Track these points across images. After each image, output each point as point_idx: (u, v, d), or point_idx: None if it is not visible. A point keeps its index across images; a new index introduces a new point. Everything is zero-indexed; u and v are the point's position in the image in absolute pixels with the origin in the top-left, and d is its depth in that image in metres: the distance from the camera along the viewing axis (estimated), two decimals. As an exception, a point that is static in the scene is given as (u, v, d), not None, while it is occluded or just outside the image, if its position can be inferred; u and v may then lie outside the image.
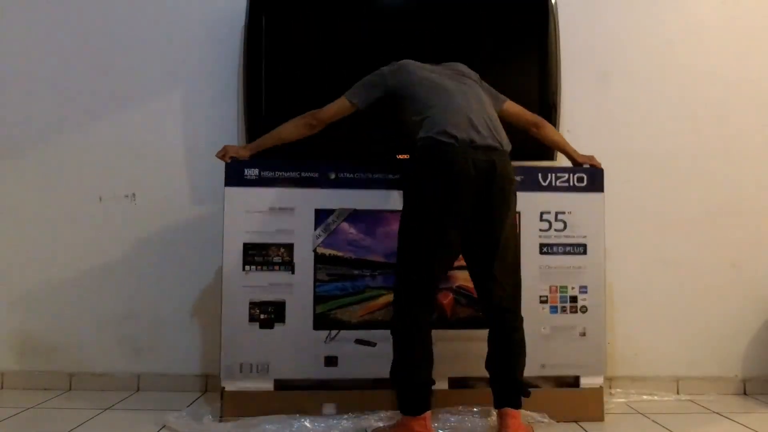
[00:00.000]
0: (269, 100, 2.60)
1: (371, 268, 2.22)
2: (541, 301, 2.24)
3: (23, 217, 2.75)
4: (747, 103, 2.80)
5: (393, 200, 2.21)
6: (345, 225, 2.22)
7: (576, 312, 2.25)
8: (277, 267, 2.18)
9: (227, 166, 2.19)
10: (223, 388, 2.17)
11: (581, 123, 2.77)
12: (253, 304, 2.16)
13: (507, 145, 2.04)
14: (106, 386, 2.65)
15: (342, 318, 2.21)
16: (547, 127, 2.31)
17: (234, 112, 2.76)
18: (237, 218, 2.17)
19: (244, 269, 2.16)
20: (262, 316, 2.16)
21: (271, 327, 2.16)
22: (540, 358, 2.21)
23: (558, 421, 2.17)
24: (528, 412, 2.10)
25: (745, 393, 2.71)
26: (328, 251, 2.21)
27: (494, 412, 2.02)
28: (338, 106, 2.18)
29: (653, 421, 2.26)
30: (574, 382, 2.27)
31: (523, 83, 2.62)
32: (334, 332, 2.19)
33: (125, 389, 2.64)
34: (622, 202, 2.74)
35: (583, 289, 2.26)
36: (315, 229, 2.20)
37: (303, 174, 2.22)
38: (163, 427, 2.12)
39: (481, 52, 2.65)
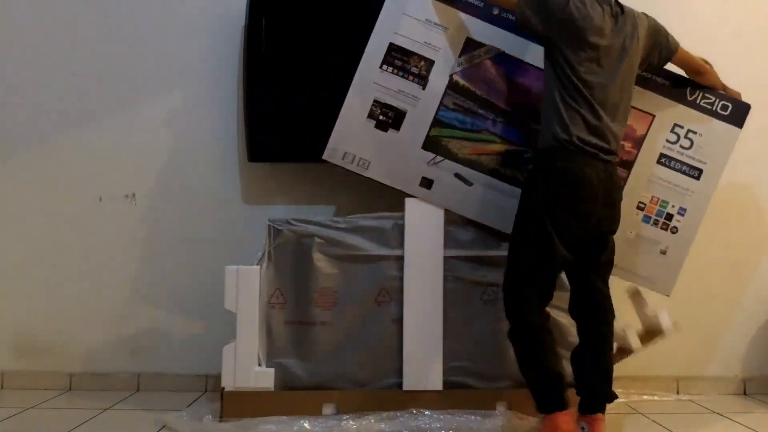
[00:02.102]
0: (269, 101, 2.60)
1: (496, 113, 2.24)
2: (638, 207, 2.25)
3: (23, 217, 2.75)
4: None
5: (540, 58, 2.08)
6: (488, 62, 2.23)
7: (666, 230, 2.25)
8: (411, 77, 2.21)
9: None
10: (223, 388, 2.17)
11: (581, 123, 2.77)
12: (377, 103, 2.22)
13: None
14: (106, 386, 2.65)
15: (451, 148, 2.23)
16: (713, 75, 2.30)
17: (234, 112, 2.76)
18: (394, 16, 2.21)
19: (381, 67, 2.21)
20: (380, 117, 2.21)
21: (385, 130, 2.22)
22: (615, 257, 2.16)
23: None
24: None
25: (745, 393, 2.71)
26: (462, 81, 2.23)
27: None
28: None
29: (653, 421, 2.26)
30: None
31: (523, 83, 2.61)
32: (439, 158, 2.23)
33: (125, 389, 2.64)
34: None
35: (681, 211, 2.27)
36: (459, 55, 2.21)
37: None
38: (163, 427, 2.12)
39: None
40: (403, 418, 2.09)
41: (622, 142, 2.08)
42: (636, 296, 2.35)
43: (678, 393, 2.67)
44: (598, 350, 2.01)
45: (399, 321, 2.22)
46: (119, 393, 2.60)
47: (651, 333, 2.32)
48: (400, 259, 2.24)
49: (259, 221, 2.32)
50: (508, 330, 2.00)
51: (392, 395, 2.17)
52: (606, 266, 2.05)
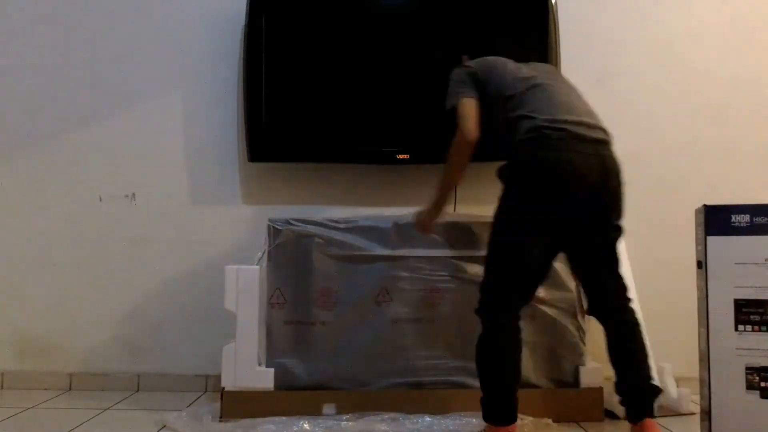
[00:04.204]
0: (269, 101, 2.60)
1: None
2: None
3: (23, 217, 2.75)
4: (747, 103, 2.80)
5: None
6: None
7: None
8: None
9: (708, 213, 1.92)
10: (223, 388, 2.17)
11: (581, 123, 2.77)
12: (750, 370, 1.86)
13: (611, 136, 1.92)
14: (106, 386, 2.65)
15: None
16: None
17: (234, 113, 2.77)
18: (724, 271, 1.88)
19: (736, 329, 1.87)
20: (762, 384, 1.85)
21: None
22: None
23: (558, 422, 2.17)
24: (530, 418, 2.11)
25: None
26: None
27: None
28: (468, 108, 1.98)
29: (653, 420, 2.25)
30: (573, 382, 2.27)
31: (523, 83, 2.62)
32: None
33: (125, 389, 2.65)
34: (622, 202, 2.74)
35: None
36: None
37: None
38: (163, 427, 2.12)
39: (481, 51, 2.65)
40: (403, 419, 2.08)
41: None
42: None
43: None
44: (622, 352, 1.88)
45: (399, 321, 2.22)
46: (119, 393, 2.60)
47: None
48: (400, 259, 2.24)
49: (259, 221, 2.33)
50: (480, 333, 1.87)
51: (392, 395, 2.17)
52: (609, 258, 1.91)
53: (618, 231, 1.92)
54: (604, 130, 1.89)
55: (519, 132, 1.87)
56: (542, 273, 1.92)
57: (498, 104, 1.96)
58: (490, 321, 1.86)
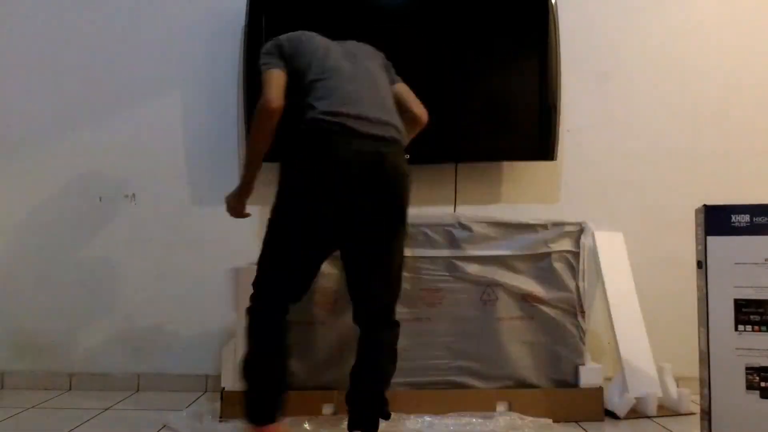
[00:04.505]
0: (269, 100, 2.60)
1: None
2: None
3: (23, 217, 2.75)
4: (747, 103, 2.80)
5: None
6: None
7: None
8: None
9: (708, 213, 1.90)
10: (223, 388, 2.17)
11: (581, 123, 2.78)
12: (750, 370, 1.86)
13: (403, 135, 1.82)
14: (106, 386, 2.65)
15: None
16: (418, 128, 2.06)
17: (234, 112, 2.77)
18: (724, 271, 1.87)
19: (736, 329, 1.86)
20: (762, 384, 1.85)
21: None
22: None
23: (558, 422, 2.17)
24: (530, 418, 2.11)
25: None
26: None
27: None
28: (270, 77, 1.82)
29: (653, 420, 2.26)
30: (573, 382, 2.27)
31: (523, 83, 2.62)
32: None
33: (125, 389, 2.65)
34: (621, 201, 2.74)
35: None
36: None
37: None
38: (163, 427, 2.12)
39: (481, 52, 2.65)
40: (403, 419, 2.08)
41: None
42: None
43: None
44: (367, 367, 1.82)
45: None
46: (119, 393, 2.60)
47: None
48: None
49: (259, 221, 2.32)
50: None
51: (392, 395, 2.17)
52: (377, 264, 1.80)
53: (393, 236, 1.79)
54: (394, 127, 1.79)
55: (301, 121, 1.77)
56: (310, 271, 1.83)
57: (294, 86, 1.82)
58: (253, 316, 1.78)
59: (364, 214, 1.74)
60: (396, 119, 1.84)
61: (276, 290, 1.79)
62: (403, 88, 2.04)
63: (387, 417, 1.83)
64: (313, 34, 1.93)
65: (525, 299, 2.27)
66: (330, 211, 1.72)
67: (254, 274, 2.07)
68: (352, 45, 1.97)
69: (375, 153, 1.72)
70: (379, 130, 1.75)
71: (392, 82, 2.01)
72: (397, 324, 1.88)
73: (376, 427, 1.80)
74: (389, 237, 1.80)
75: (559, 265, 2.29)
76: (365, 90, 1.82)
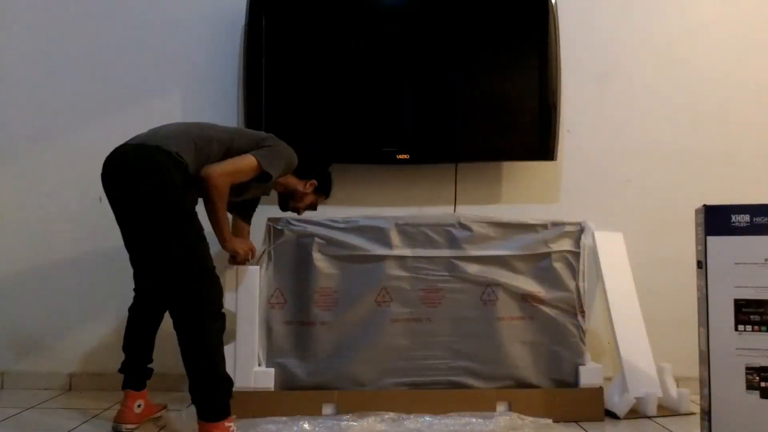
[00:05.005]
0: (269, 100, 2.60)
1: None
2: None
3: (23, 217, 2.75)
4: (747, 103, 2.81)
5: None
6: None
7: None
8: None
9: (708, 213, 1.91)
10: (223, 388, 2.17)
11: (581, 123, 2.78)
12: (750, 370, 1.86)
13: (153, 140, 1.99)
14: (106, 386, 2.65)
15: None
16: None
17: (234, 112, 2.77)
18: (724, 271, 1.87)
19: (736, 329, 1.86)
20: (762, 384, 1.85)
21: None
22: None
23: (558, 422, 2.17)
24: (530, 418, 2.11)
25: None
26: None
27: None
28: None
29: (653, 420, 2.26)
30: (573, 382, 2.27)
31: (523, 83, 2.62)
32: None
33: (125, 389, 2.64)
34: (621, 201, 2.74)
35: None
36: None
37: None
38: (163, 427, 2.12)
39: (482, 52, 2.65)
40: (403, 419, 2.08)
41: None
42: None
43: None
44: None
45: (399, 321, 2.23)
46: (119, 393, 2.58)
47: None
48: (400, 259, 2.24)
49: (259, 221, 2.32)
50: None
51: (392, 395, 2.17)
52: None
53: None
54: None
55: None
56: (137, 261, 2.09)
57: None
58: None
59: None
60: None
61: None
62: None
63: None
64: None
65: (525, 299, 2.27)
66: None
67: (255, 274, 2.08)
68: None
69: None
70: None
71: None
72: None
73: None
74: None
75: (559, 265, 2.29)
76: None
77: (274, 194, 2.68)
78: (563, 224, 2.32)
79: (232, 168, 1.99)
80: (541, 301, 2.27)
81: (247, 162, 2.00)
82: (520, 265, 2.28)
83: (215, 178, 1.95)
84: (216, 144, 2.01)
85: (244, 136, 2.11)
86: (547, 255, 2.29)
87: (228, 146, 2.03)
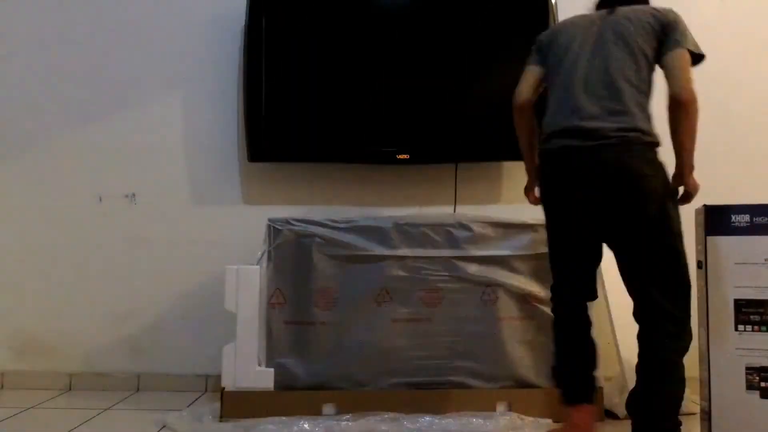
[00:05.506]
0: (269, 100, 2.60)
1: None
2: None
3: (23, 217, 2.75)
4: (747, 103, 2.80)
5: None
6: None
7: None
8: None
9: (708, 213, 1.93)
10: (223, 388, 2.17)
11: (581, 123, 2.77)
12: (750, 370, 1.86)
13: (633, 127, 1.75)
14: (106, 386, 2.65)
15: None
16: (678, 111, 1.86)
17: (234, 112, 2.77)
18: (724, 271, 1.87)
19: (736, 329, 1.86)
20: (762, 384, 1.84)
21: None
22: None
23: (558, 422, 2.17)
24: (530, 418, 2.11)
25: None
26: None
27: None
28: (524, 74, 2.02)
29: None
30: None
31: (523, 83, 2.62)
32: None
33: (125, 389, 2.65)
34: (622, 202, 2.74)
35: None
36: None
37: None
38: (163, 427, 2.12)
39: (482, 52, 2.65)
40: (403, 419, 2.08)
41: None
42: None
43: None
44: (644, 369, 1.80)
45: (399, 321, 2.23)
46: (119, 393, 2.60)
47: None
48: (400, 259, 2.24)
49: (259, 221, 2.32)
50: None
51: (392, 395, 2.17)
52: (649, 266, 1.75)
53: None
54: (617, 126, 1.75)
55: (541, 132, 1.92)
56: (579, 263, 1.92)
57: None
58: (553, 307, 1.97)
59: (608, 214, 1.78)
60: (624, 116, 1.77)
61: (565, 287, 1.90)
62: (671, 62, 1.88)
63: None
64: (574, 20, 1.95)
65: (525, 299, 2.27)
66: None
67: (255, 274, 2.08)
68: (609, 23, 1.86)
69: (592, 157, 1.76)
70: (598, 136, 1.75)
71: (653, 59, 1.88)
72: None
73: None
74: (643, 240, 1.75)
75: (559, 265, 2.29)
76: (590, 93, 1.80)
77: (276, 195, 2.71)
78: (563, 224, 2.31)
79: None
80: (541, 301, 2.27)
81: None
82: (520, 265, 2.28)
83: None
84: None
85: None
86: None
87: None
